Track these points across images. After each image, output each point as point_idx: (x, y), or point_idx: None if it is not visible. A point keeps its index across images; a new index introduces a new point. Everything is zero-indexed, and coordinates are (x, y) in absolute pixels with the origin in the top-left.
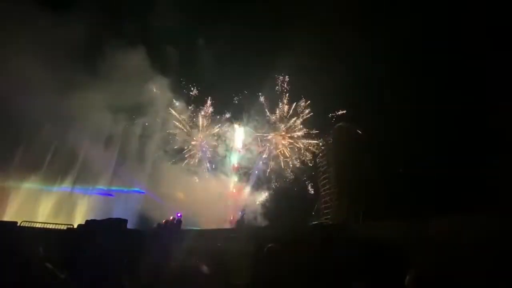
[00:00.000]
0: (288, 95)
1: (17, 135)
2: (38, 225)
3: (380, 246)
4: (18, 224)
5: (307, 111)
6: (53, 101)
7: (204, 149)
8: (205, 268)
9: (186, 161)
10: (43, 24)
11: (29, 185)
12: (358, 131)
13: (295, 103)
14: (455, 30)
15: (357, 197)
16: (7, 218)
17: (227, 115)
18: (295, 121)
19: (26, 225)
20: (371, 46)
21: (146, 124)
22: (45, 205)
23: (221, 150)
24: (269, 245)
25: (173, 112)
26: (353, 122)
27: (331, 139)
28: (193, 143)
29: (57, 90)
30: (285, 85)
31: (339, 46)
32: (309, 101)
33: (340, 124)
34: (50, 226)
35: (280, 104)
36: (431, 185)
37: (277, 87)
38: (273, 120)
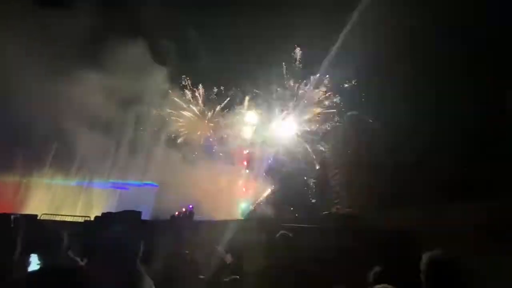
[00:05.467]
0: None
1: (30, 132)
2: (57, 218)
3: (393, 234)
4: (38, 217)
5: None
6: (58, 96)
7: (213, 139)
8: (227, 256)
9: (196, 153)
10: (38, 18)
11: (47, 180)
12: (369, 119)
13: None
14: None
15: (369, 186)
16: (27, 211)
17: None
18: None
19: (46, 218)
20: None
21: (153, 115)
22: (62, 199)
23: (230, 139)
24: (281, 231)
25: (180, 102)
26: (364, 110)
27: (342, 128)
28: (201, 133)
29: (65, 85)
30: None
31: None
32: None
33: (351, 112)
34: (68, 219)
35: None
36: (444, 173)
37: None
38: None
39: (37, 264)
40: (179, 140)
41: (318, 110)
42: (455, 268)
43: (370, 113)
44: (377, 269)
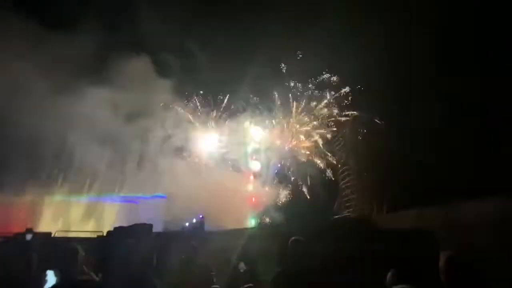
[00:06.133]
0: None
1: (38, 150)
2: (71, 234)
3: (407, 234)
4: (53, 235)
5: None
6: (64, 112)
7: (218, 149)
8: (240, 265)
9: (201, 160)
10: (42, 38)
11: (58, 198)
12: (376, 120)
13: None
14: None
15: (379, 188)
16: (41, 229)
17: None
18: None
19: (60, 235)
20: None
21: (157, 128)
22: (74, 216)
23: (235, 149)
24: (293, 237)
25: (183, 112)
26: (371, 111)
27: (349, 130)
28: (204, 143)
29: (70, 102)
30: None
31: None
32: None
33: (357, 113)
34: (82, 235)
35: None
36: (455, 171)
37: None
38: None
39: (54, 281)
40: (182, 150)
41: (325, 112)
42: (473, 266)
43: (378, 114)
44: (394, 270)
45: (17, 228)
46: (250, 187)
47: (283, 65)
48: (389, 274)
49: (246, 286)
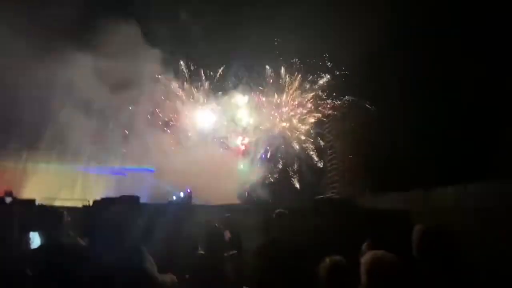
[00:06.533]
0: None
1: (23, 117)
2: (56, 203)
3: (386, 215)
4: (37, 202)
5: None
6: (50, 80)
7: (203, 122)
8: (225, 233)
9: (190, 135)
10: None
11: (43, 165)
12: (367, 105)
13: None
14: None
15: (363, 171)
16: (25, 196)
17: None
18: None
19: (45, 202)
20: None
21: (146, 100)
22: (60, 184)
23: (223, 123)
24: (277, 210)
25: (172, 85)
26: (361, 95)
27: (338, 113)
28: (191, 116)
29: (56, 69)
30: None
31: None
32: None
33: (349, 97)
34: (67, 204)
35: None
36: (434, 156)
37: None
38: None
39: (39, 242)
40: (171, 123)
41: (315, 95)
42: (447, 237)
43: (367, 99)
44: (369, 240)
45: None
46: (238, 164)
47: (276, 43)
48: (364, 244)
49: (230, 253)
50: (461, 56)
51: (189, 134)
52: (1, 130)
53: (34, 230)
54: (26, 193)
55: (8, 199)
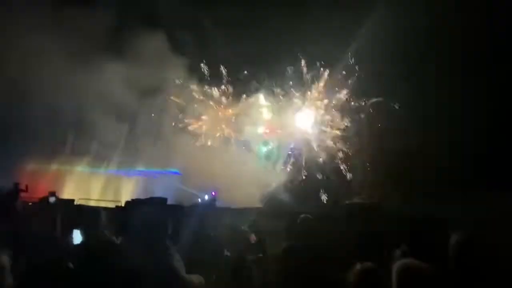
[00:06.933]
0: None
1: (59, 124)
2: (91, 203)
3: (419, 222)
4: (75, 202)
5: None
6: (81, 87)
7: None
8: (252, 236)
9: (213, 138)
10: (57, 13)
11: (79, 169)
12: (395, 106)
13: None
14: None
15: (393, 175)
16: (65, 197)
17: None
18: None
19: (82, 203)
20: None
21: (172, 105)
22: (94, 187)
23: (247, 129)
24: (302, 215)
25: (198, 92)
26: (389, 96)
27: (365, 115)
28: (215, 119)
29: (87, 76)
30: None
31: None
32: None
33: (376, 99)
34: (102, 204)
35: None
36: (472, 162)
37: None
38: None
39: (80, 239)
40: (195, 127)
41: (340, 97)
42: (485, 249)
43: (395, 101)
44: (404, 247)
45: (44, 194)
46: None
47: (300, 47)
48: (396, 251)
49: (257, 255)
50: (494, 57)
51: (213, 138)
52: (43, 137)
53: (75, 228)
54: (65, 195)
55: (52, 199)
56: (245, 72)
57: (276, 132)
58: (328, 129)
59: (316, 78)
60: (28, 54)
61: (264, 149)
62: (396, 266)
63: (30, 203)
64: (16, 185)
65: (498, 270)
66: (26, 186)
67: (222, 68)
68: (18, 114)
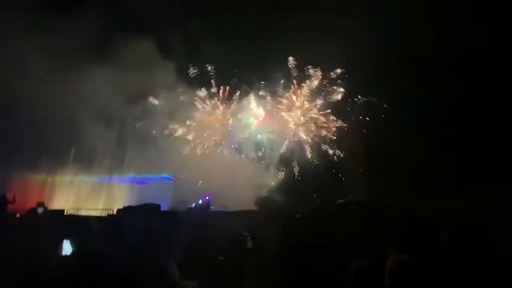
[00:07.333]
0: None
1: (47, 131)
2: (82, 212)
3: (410, 220)
4: (65, 212)
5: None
6: (71, 94)
7: (225, 130)
8: (248, 240)
9: (207, 143)
10: (45, 19)
11: (69, 178)
12: (384, 105)
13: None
14: None
15: (384, 174)
16: (54, 207)
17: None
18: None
19: (72, 213)
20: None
21: (163, 110)
22: (85, 195)
23: (239, 129)
24: (296, 215)
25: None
26: (379, 96)
27: (356, 115)
28: (206, 124)
29: (76, 83)
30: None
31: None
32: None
33: (365, 99)
34: (93, 213)
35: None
36: (461, 158)
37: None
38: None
39: (70, 250)
40: (187, 132)
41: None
42: (478, 241)
43: (385, 100)
44: (395, 241)
45: (32, 205)
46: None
47: (289, 50)
48: (389, 248)
49: (252, 259)
50: (481, 55)
51: (205, 142)
52: (31, 147)
53: (63, 238)
54: (55, 205)
55: (40, 210)
56: (235, 78)
57: (267, 121)
58: (318, 130)
59: (306, 79)
60: (14, 62)
61: (258, 136)
62: (389, 262)
63: (17, 215)
64: (3, 197)
65: (486, 265)
66: (14, 197)
67: (211, 70)
68: (4, 124)
